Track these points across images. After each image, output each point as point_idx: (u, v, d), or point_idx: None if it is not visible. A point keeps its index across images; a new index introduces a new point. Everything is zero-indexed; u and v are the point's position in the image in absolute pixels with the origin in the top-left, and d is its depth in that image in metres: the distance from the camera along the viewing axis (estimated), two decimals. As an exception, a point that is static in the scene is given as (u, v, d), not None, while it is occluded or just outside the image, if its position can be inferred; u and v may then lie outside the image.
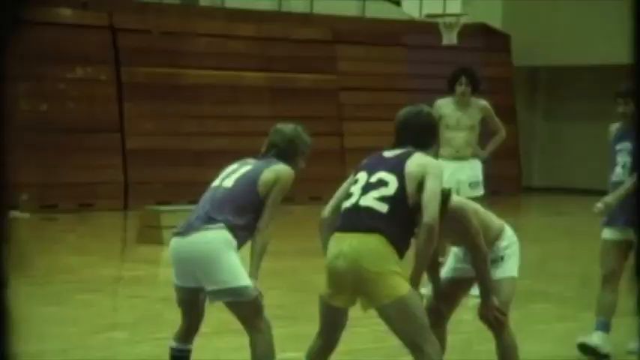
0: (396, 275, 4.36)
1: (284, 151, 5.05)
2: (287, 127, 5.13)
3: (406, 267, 4.52)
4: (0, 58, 1.63)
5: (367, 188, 4.47)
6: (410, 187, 4.43)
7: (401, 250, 4.42)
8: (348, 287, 4.44)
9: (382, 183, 4.45)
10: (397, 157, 4.57)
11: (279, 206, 5.00)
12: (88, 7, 16.45)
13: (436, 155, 8.91)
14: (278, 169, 4.98)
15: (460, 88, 8.89)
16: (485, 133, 9.28)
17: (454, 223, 4.82)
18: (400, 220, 4.42)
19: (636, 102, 6.19)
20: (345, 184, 4.71)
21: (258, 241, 4.93)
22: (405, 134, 4.66)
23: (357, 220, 4.44)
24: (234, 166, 5.12)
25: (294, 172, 5.04)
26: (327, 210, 4.70)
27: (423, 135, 4.69)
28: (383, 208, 4.41)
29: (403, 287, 4.37)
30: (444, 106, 8.95)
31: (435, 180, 4.44)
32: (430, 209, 4.36)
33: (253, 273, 4.92)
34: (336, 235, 4.48)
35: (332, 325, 4.64)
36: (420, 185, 4.43)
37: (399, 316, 4.38)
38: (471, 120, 9.00)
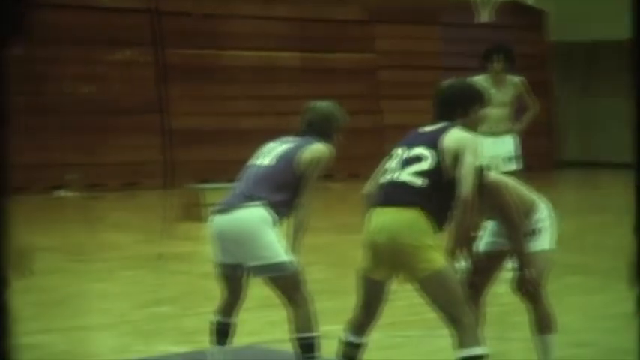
0: (433, 249, 4.40)
1: (320, 129, 5.08)
2: (322, 105, 5.17)
3: (444, 241, 4.53)
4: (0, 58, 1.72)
5: (404, 163, 4.51)
6: (446, 161, 4.46)
7: (439, 225, 4.46)
8: (386, 261, 4.49)
9: (419, 158, 4.48)
10: (434, 132, 4.58)
11: (316, 183, 5.02)
12: (129, -9, 16.73)
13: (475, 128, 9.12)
14: (317, 149, 5.01)
15: (494, 66, 9.01)
16: (518, 108, 9.40)
17: (490, 199, 4.84)
18: (437, 194, 4.45)
19: (636, 94, 6.26)
20: (385, 161, 4.73)
21: (299, 218, 4.98)
22: (442, 108, 4.69)
23: (395, 195, 4.48)
24: (272, 144, 5.15)
25: (333, 149, 5.07)
26: (368, 186, 4.75)
27: (456, 106, 4.67)
28: (420, 182, 4.44)
29: (439, 261, 4.41)
30: (479, 83, 9.07)
31: (471, 155, 4.44)
32: (466, 184, 4.38)
33: (294, 249, 4.97)
34: (375, 209, 4.53)
35: (372, 299, 4.65)
36: (456, 160, 4.44)
37: (435, 289, 4.42)
38: (505, 96, 9.09)
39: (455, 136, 4.52)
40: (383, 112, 18.47)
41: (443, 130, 4.58)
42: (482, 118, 4.78)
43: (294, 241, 4.99)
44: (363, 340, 4.75)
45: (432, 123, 4.68)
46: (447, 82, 4.85)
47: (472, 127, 4.69)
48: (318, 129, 5.09)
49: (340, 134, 5.17)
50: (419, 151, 4.51)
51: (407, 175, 4.48)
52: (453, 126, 4.61)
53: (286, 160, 5.00)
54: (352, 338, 4.75)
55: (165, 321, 6.97)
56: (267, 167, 5.02)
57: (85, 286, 8.32)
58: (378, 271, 4.55)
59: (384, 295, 4.65)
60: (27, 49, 14.17)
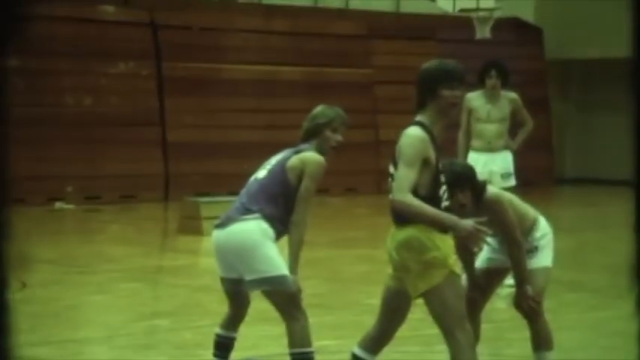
0: (428, 265, 4.39)
1: (309, 131, 5.05)
2: (318, 107, 5.15)
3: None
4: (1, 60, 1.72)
5: (391, 185, 4.46)
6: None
7: (435, 230, 4.38)
8: (401, 273, 4.49)
9: (392, 177, 4.44)
10: (398, 141, 4.44)
11: (312, 197, 4.96)
12: (130, 4, 16.79)
13: (467, 146, 9.15)
14: (303, 156, 4.96)
15: (490, 82, 9.04)
16: (514, 125, 9.44)
17: (490, 215, 4.83)
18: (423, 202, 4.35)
19: (636, 100, 6.30)
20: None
21: (294, 234, 4.93)
22: (416, 95, 4.48)
23: (393, 216, 4.50)
24: (271, 159, 5.15)
25: (327, 150, 5.01)
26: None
27: (421, 91, 4.45)
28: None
29: (435, 276, 4.40)
30: (475, 99, 9.10)
31: (401, 163, 4.33)
32: (394, 190, 4.33)
33: (292, 267, 4.93)
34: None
35: (389, 311, 4.63)
36: (424, 162, 4.33)
37: (434, 304, 4.43)
38: (501, 112, 9.14)
39: (400, 143, 4.40)
40: (379, 127, 18.51)
41: (400, 137, 4.45)
42: (456, 98, 4.44)
43: (292, 260, 4.95)
44: (370, 357, 4.72)
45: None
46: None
47: (446, 110, 4.44)
48: (307, 132, 5.07)
49: (335, 131, 5.06)
50: (391, 170, 4.46)
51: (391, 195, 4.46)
52: (411, 125, 4.44)
53: (278, 170, 5.00)
54: (360, 353, 4.74)
55: (161, 334, 6.98)
56: (262, 179, 5.03)
57: (82, 299, 8.32)
58: (395, 278, 4.55)
59: (402, 308, 4.62)
60: (26, 60, 14.21)
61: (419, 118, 4.46)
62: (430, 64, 4.55)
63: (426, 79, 4.46)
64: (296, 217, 4.93)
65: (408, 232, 4.41)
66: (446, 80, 4.42)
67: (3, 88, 1.77)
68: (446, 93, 4.40)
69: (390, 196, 4.44)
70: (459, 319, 4.46)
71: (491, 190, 5.05)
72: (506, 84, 9.15)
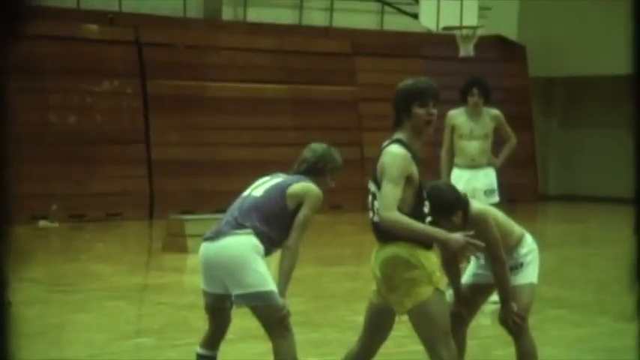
0: (413, 282, 4.41)
1: (313, 167, 5.14)
2: (319, 146, 5.24)
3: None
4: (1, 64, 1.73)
5: (372, 203, 4.49)
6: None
7: (421, 244, 4.41)
8: (385, 291, 4.52)
9: (374, 196, 4.47)
10: (377, 159, 4.51)
11: (308, 226, 5.04)
12: (115, 22, 16.81)
13: (451, 163, 9.19)
14: (306, 186, 5.05)
15: (472, 99, 9.10)
16: (497, 141, 9.50)
17: (475, 230, 4.83)
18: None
19: (636, 107, 6.36)
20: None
21: (287, 259, 4.96)
22: (394, 115, 4.56)
23: (376, 234, 4.52)
24: (265, 178, 5.21)
25: (322, 191, 5.08)
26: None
27: (397, 109, 4.51)
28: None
29: (421, 294, 4.43)
30: (457, 116, 9.16)
31: (385, 180, 4.35)
32: (380, 208, 4.33)
33: (282, 291, 4.94)
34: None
35: (373, 327, 4.64)
36: (407, 179, 4.36)
37: (419, 320, 4.44)
38: (483, 129, 9.20)
39: (381, 161, 4.43)
40: (364, 145, 18.57)
41: (380, 155, 4.49)
42: (430, 116, 4.46)
43: (282, 284, 4.97)
44: None
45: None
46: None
47: (421, 128, 4.48)
48: (310, 167, 5.16)
49: (333, 177, 5.21)
50: (372, 188, 4.48)
51: (376, 217, 4.47)
52: (391, 143, 4.47)
53: (276, 193, 5.05)
54: None
55: (146, 353, 6.95)
56: (257, 198, 5.06)
57: (66, 317, 8.29)
58: (379, 295, 4.57)
59: (385, 325, 4.65)
60: (11, 79, 14.18)
61: (398, 136, 4.51)
62: (405, 83, 4.59)
63: (400, 98, 4.52)
64: (291, 242, 4.99)
65: (392, 249, 4.43)
66: (419, 98, 4.47)
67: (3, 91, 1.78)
68: (419, 111, 4.46)
69: (371, 214, 4.47)
70: (444, 335, 4.48)
71: (476, 205, 5.07)
72: (488, 101, 9.22)
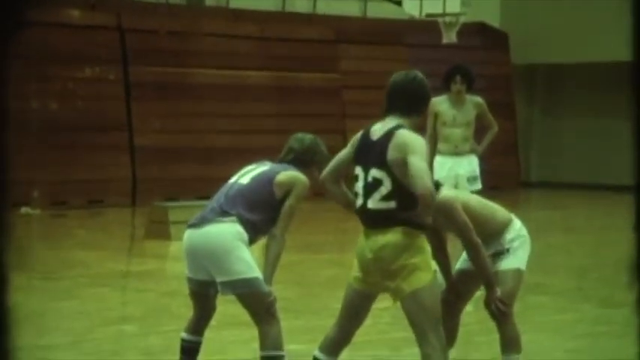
0: (415, 267, 4.44)
1: (301, 158, 5.17)
2: (307, 136, 5.26)
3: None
4: (1, 60, 1.73)
5: (368, 189, 4.51)
6: (400, 173, 4.42)
7: (419, 227, 4.46)
8: (376, 277, 4.53)
9: (378, 182, 4.48)
10: (381, 142, 4.50)
11: (295, 215, 5.06)
12: (96, 8, 16.73)
13: (434, 150, 9.21)
14: (294, 175, 5.07)
15: (455, 86, 9.13)
16: (479, 129, 9.53)
17: (444, 217, 4.88)
18: (412, 206, 4.42)
19: (636, 101, 6.36)
20: (342, 153, 4.77)
21: (273, 248, 5.00)
22: (396, 100, 4.56)
23: (372, 220, 4.52)
24: (252, 166, 5.22)
25: (308, 181, 5.10)
26: (325, 172, 4.82)
27: (415, 101, 4.58)
28: (390, 205, 4.45)
29: (420, 279, 4.44)
30: (440, 103, 9.18)
31: (416, 157, 4.36)
32: (419, 183, 4.30)
33: (268, 279, 4.97)
34: (364, 230, 4.57)
35: (352, 313, 4.67)
36: (406, 165, 4.39)
37: (413, 306, 4.45)
38: (466, 117, 9.23)
39: (398, 143, 4.46)
40: (347, 132, 18.57)
41: (388, 139, 4.50)
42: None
43: (268, 272, 4.99)
44: None
45: (385, 113, 4.62)
46: (403, 73, 4.69)
47: (416, 127, 4.61)
48: (298, 157, 5.18)
49: (318, 169, 5.19)
50: (375, 173, 4.50)
51: (376, 202, 4.49)
52: (397, 127, 4.53)
53: (263, 181, 5.07)
54: (321, 356, 4.79)
55: (129, 339, 6.96)
56: (243, 185, 5.08)
57: (48, 304, 8.27)
58: (367, 282, 4.59)
59: (363, 312, 4.69)
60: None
61: (400, 122, 4.54)
62: (424, 79, 4.64)
63: (419, 94, 4.60)
64: (277, 231, 5.02)
65: (394, 235, 4.45)
66: (426, 101, 4.67)
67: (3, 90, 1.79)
68: (423, 112, 4.69)
69: (361, 200, 4.49)
70: (435, 322, 4.49)
71: (444, 192, 5.03)
72: (471, 88, 9.24)
